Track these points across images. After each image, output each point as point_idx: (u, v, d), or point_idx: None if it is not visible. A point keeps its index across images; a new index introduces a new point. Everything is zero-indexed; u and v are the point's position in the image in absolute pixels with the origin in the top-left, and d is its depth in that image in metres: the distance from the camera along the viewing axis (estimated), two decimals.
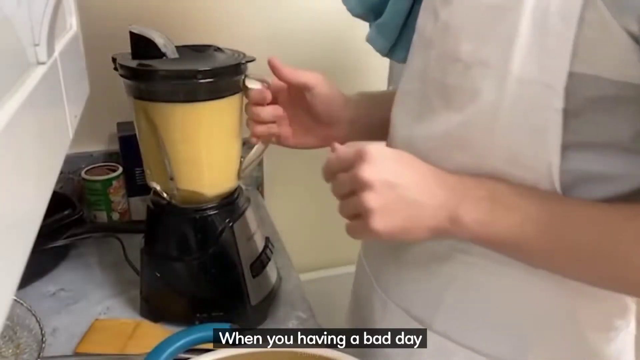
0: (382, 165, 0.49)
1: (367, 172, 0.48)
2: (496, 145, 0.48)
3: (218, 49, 0.71)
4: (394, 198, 0.48)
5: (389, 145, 0.61)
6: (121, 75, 0.64)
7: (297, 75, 0.66)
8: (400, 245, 0.60)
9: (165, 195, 0.71)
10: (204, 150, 0.68)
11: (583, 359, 0.55)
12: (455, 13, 0.50)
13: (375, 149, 0.49)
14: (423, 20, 0.56)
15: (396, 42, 0.66)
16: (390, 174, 0.48)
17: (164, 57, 0.65)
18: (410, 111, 0.58)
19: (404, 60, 0.63)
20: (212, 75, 0.63)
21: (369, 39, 0.67)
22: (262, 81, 0.67)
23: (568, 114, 0.44)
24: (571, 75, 0.43)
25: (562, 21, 0.42)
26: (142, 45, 0.64)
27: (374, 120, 0.70)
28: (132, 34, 0.64)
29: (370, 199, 0.48)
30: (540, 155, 0.46)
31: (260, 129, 0.68)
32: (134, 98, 0.65)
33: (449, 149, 0.51)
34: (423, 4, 0.57)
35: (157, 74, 0.63)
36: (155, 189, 0.72)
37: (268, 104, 0.67)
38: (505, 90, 0.46)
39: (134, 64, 0.64)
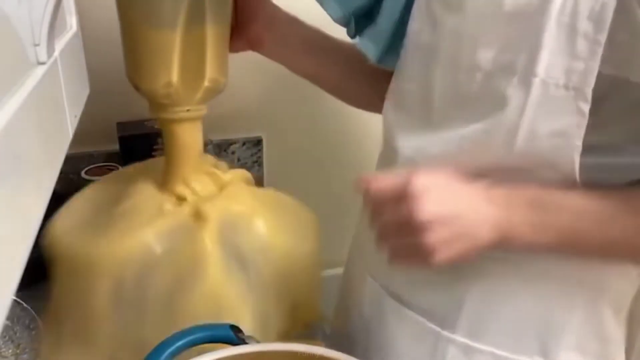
0: (433, 201, 0.48)
1: (422, 213, 0.47)
2: (519, 149, 0.48)
3: None
4: (451, 231, 0.48)
5: (392, 152, 0.60)
6: None
7: None
8: None
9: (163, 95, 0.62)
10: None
11: (602, 346, 0.56)
12: (468, 21, 0.49)
13: (420, 185, 0.48)
14: (418, 25, 0.56)
15: (388, 48, 0.64)
16: (443, 207, 0.48)
17: None
18: (414, 118, 0.57)
19: (393, 66, 0.62)
20: None
21: (361, 46, 0.65)
22: None
23: (593, 116, 0.44)
24: (599, 78, 0.43)
25: (592, 24, 0.42)
26: None
27: (320, 58, 0.72)
28: None
29: (429, 237, 0.47)
30: (563, 155, 0.47)
31: None
32: None
33: (470, 155, 0.52)
34: (416, 9, 0.56)
35: None
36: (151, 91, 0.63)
37: None
38: (531, 95, 0.46)
39: None
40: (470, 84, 0.50)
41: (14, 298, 0.66)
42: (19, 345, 0.66)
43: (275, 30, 0.69)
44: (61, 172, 0.40)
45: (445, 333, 0.57)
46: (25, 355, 0.65)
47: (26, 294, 0.64)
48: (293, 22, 0.71)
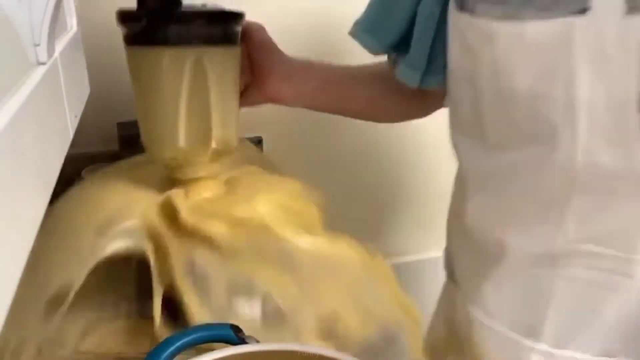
0: None
1: None
2: (580, 171, 0.48)
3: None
4: None
5: (460, 172, 0.63)
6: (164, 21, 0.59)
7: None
8: (495, 263, 0.59)
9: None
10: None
11: None
12: (500, 52, 0.49)
13: None
14: (457, 55, 0.56)
15: (425, 71, 0.64)
16: None
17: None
18: (472, 139, 0.58)
19: (437, 86, 0.62)
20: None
21: (400, 76, 0.66)
22: None
23: None
24: None
25: (621, 49, 0.42)
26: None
27: (341, 92, 0.72)
28: None
29: None
30: (631, 167, 0.46)
31: None
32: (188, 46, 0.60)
33: (532, 174, 0.52)
34: (451, 38, 0.56)
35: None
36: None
37: None
38: (579, 119, 0.46)
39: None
40: (515, 111, 0.50)
41: None
42: None
43: (292, 81, 0.69)
44: (61, 173, 0.40)
45: (527, 342, 0.57)
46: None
47: None
48: (308, 68, 0.71)
